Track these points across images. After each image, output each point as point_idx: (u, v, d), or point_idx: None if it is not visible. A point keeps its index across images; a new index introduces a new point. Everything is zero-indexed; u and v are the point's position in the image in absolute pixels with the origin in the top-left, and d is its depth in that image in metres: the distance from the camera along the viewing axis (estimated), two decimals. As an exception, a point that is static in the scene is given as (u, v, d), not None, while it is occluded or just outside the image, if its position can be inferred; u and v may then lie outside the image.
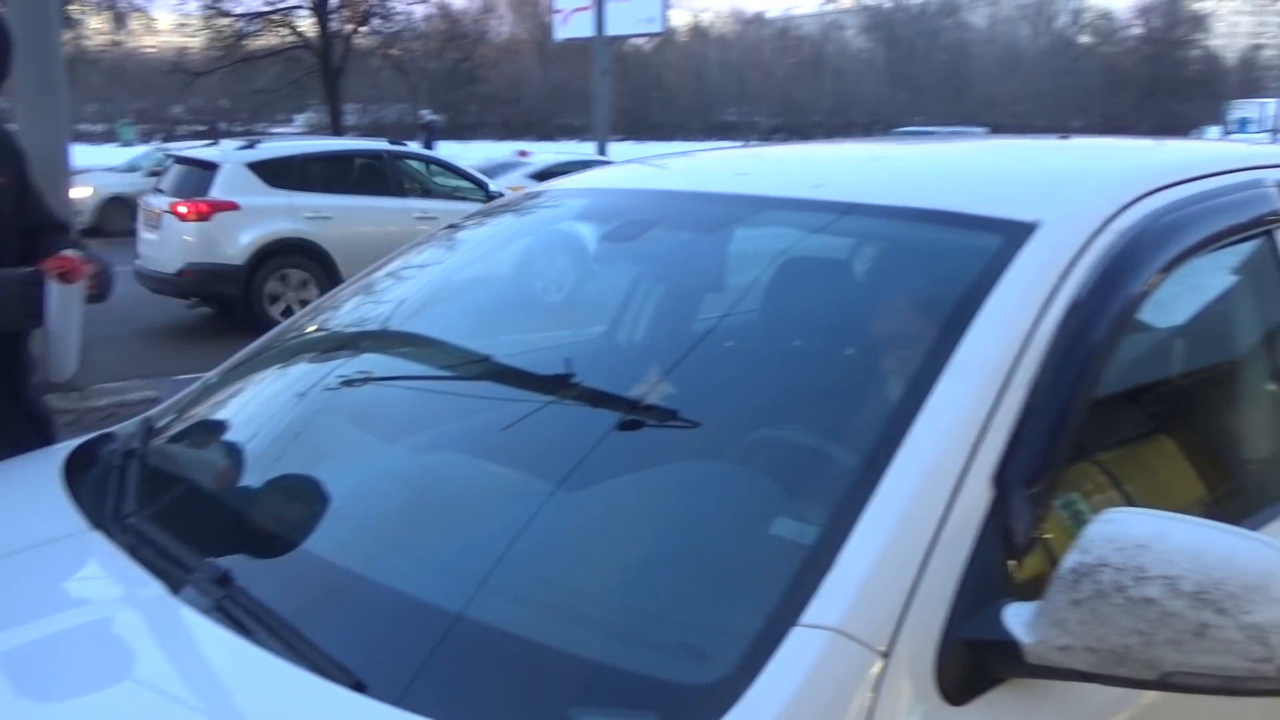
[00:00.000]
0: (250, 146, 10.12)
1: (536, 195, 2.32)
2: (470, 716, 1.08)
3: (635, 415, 1.51)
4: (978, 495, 1.17)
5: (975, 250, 1.45)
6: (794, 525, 1.25)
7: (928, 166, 2.11)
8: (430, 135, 35.57)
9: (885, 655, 1.06)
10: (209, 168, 9.68)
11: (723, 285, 1.83)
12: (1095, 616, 1.04)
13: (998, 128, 52.76)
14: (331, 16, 26.82)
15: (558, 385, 1.64)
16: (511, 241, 2.27)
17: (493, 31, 56.71)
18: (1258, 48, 79.08)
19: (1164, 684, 1.04)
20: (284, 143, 11.37)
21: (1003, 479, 1.19)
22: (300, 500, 1.57)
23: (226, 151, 10.10)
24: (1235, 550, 1.03)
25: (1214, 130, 55.07)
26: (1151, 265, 1.46)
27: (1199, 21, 68.79)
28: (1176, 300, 1.64)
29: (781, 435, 1.49)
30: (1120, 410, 1.62)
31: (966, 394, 1.24)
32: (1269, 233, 1.76)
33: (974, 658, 1.11)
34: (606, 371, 1.83)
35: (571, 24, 23.58)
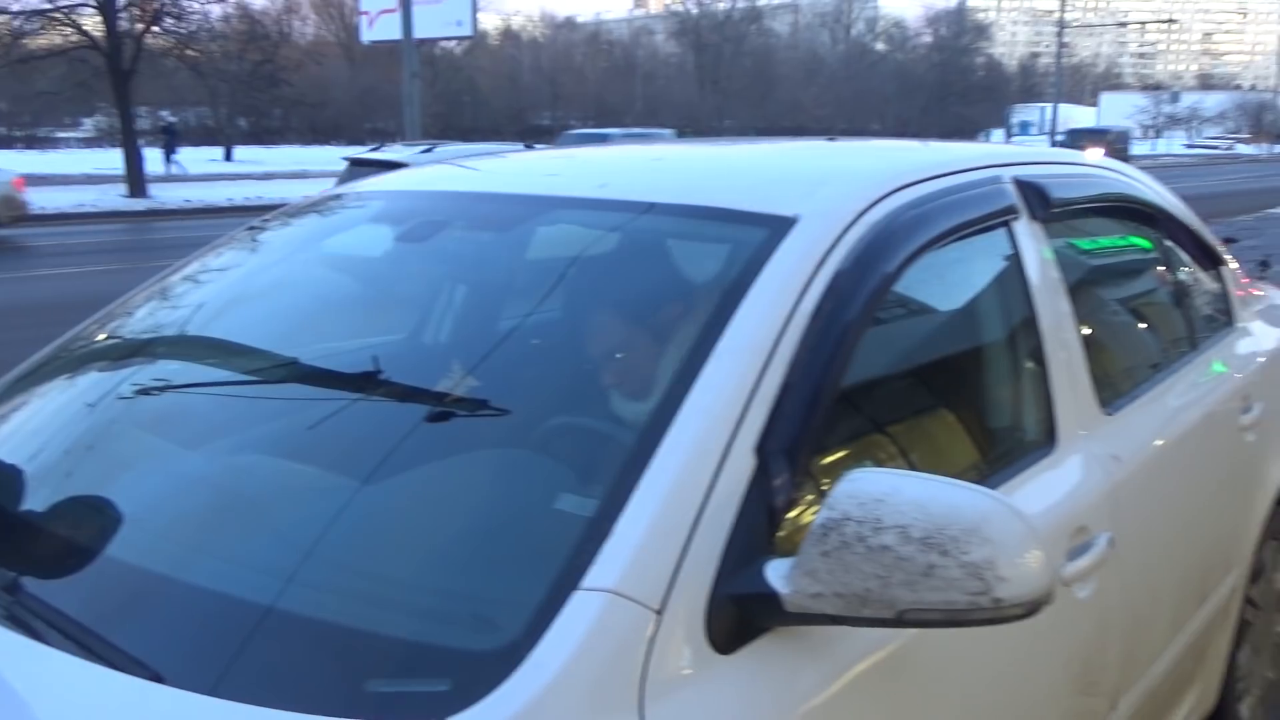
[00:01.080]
0: (429, 150, 11.25)
1: (338, 196, 2.33)
2: (271, 697, 1.12)
3: (432, 410, 1.57)
4: (742, 465, 1.29)
5: (741, 243, 1.58)
6: (577, 500, 1.34)
7: (704, 167, 2.25)
8: (171, 140, 34.00)
9: (659, 612, 1.16)
10: (395, 168, 10.95)
11: (516, 283, 1.90)
12: (841, 565, 1.16)
13: (802, 131, 54.74)
14: (120, 15, 25.27)
15: (357, 385, 1.68)
16: (312, 243, 2.28)
17: (296, 33, 55.18)
18: (1035, 56, 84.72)
19: (901, 620, 1.17)
20: (453, 146, 12.33)
21: (764, 449, 1.31)
22: (94, 508, 1.56)
23: (410, 154, 11.25)
24: (956, 500, 1.18)
25: (998, 133, 58.68)
26: (899, 254, 1.62)
27: (982, 30, 73.11)
28: (926, 286, 1.81)
29: (568, 421, 1.58)
30: (883, 388, 1.78)
31: (731, 374, 1.36)
32: (1006, 224, 1.97)
33: (740, 611, 1.22)
34: (404, 370, 1.87)
35: (378, 26, 23.07)
